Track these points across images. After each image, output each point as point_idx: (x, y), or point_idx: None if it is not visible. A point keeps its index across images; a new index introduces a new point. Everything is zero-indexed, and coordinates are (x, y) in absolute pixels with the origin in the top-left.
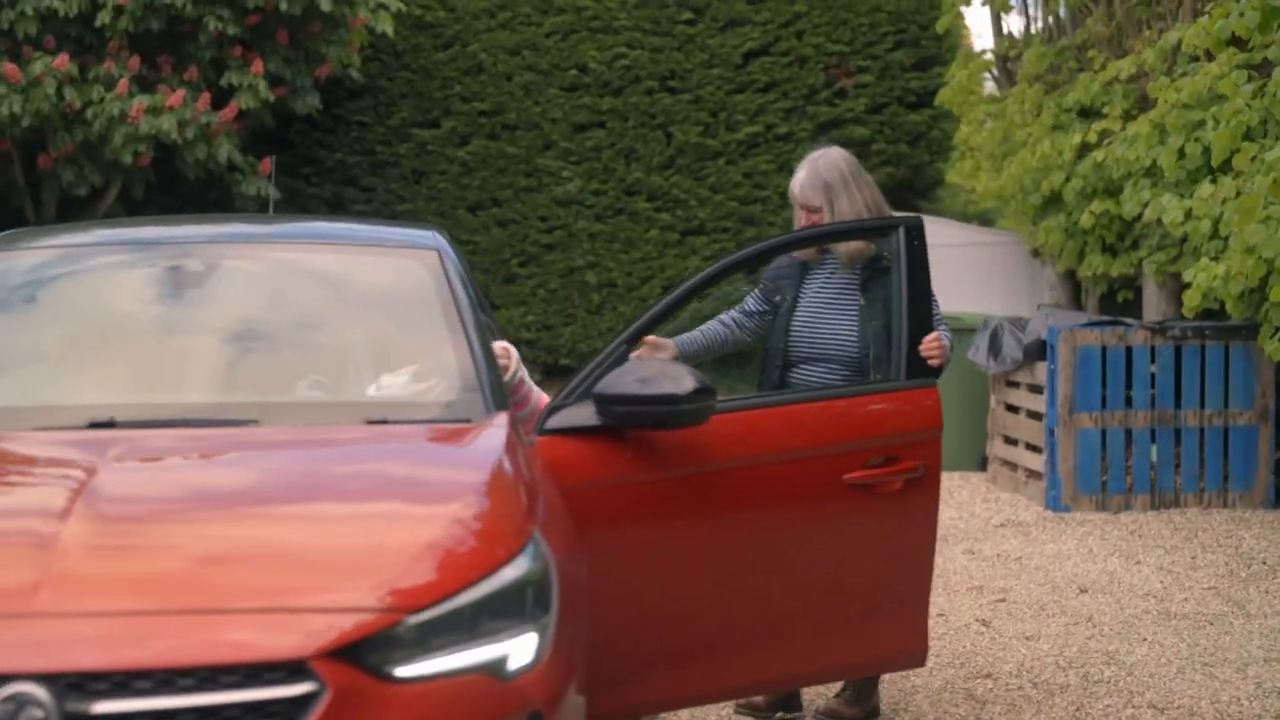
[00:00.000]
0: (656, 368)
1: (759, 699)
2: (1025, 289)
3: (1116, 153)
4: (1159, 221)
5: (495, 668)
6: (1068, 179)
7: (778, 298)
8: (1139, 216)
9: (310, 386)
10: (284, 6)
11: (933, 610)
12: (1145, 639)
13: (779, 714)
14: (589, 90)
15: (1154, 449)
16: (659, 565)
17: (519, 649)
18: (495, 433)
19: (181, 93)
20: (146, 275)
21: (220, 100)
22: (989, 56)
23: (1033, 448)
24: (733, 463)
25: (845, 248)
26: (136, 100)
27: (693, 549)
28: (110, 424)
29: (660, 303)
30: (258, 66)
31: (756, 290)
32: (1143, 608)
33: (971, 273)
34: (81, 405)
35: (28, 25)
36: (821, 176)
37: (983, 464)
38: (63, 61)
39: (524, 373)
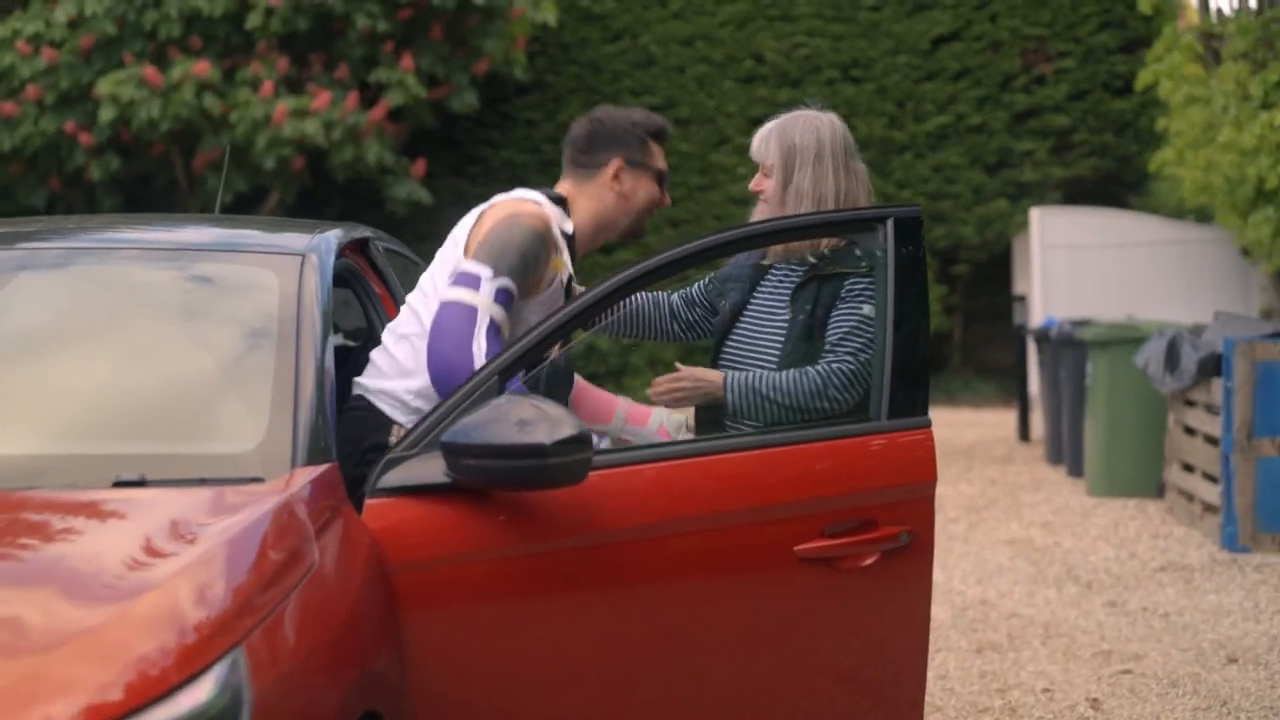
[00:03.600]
0: (533, 409)
1: None
2: (1236, 292)
3: None
4: None
5: None
6: (1275, 164)
7: (722, 301)
8: None
9: (60, 436)
10: (436, 0)
11: (1038, 684)
12: None
13: None
14: (766, 82)
15: None
16: (531, 673)
17: None
18: (267, 502)
19: (328, 94)
20: None
21: (373, 99)
22: (1192, 36)
23: (1210, 477)
24: (638, 531)
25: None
26: (280, 103)
27: (575, 651)
28: None
29: (557, 317)
30: (407, 62)
31: (704, 280)
32: None
33: (1175, 274)
34: None
35: (171, 28)
36: (790, 135)
37: (1162, 491)
38: (203, 68)
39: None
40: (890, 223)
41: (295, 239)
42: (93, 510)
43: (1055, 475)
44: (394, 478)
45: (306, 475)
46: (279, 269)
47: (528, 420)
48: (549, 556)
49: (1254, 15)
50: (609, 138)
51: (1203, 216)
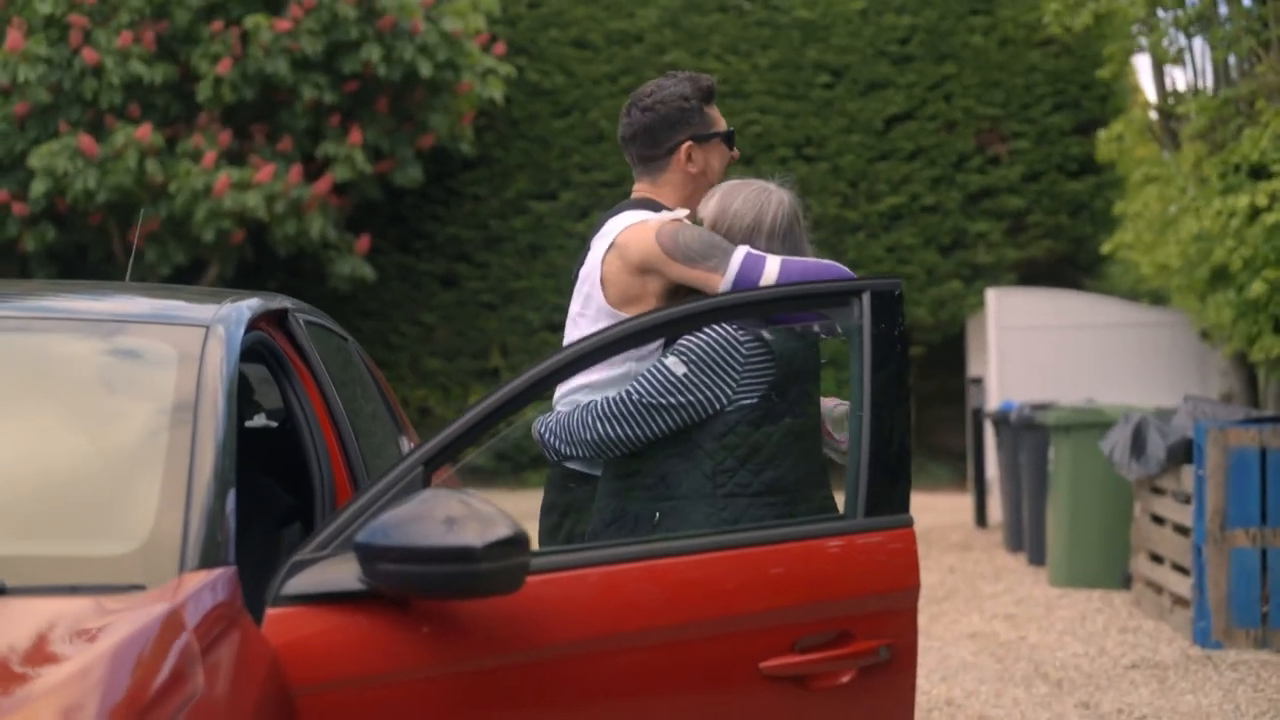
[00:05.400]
0: (461, 505)
1: None
2: (1195, 375)
3: None
4: None
5: None
6: (1236, 248)
7: None
8: None
9: None
10: (382, 72)
11: None
12: None
13: None
14: None
15: None
16: None
17: None
18: (147, 614)
19: (271, 167)
20: None
21: (318, 173)
22: (1152, 115)
23: (1180, 569)
24: (582, 646)
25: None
26: (222, 174)
27: None
28: None
29: (490, 400)
30: (355, 136)
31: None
32: None
33: (1133, 357)
34: None
35: (113, 95)
36: (730, 201)
37: (1127, 582)
38: (145, 132)
39: None
40: (866, 296)
41: (201, 309)
42: None
43: (1015, 564)
44: (300, 583)
45: (197, 581)
46: (179, 341)
47: (456, 518)
48: (480, 676)
49: (1212, 94)
50: (669, 122)
51: (1158, 299)
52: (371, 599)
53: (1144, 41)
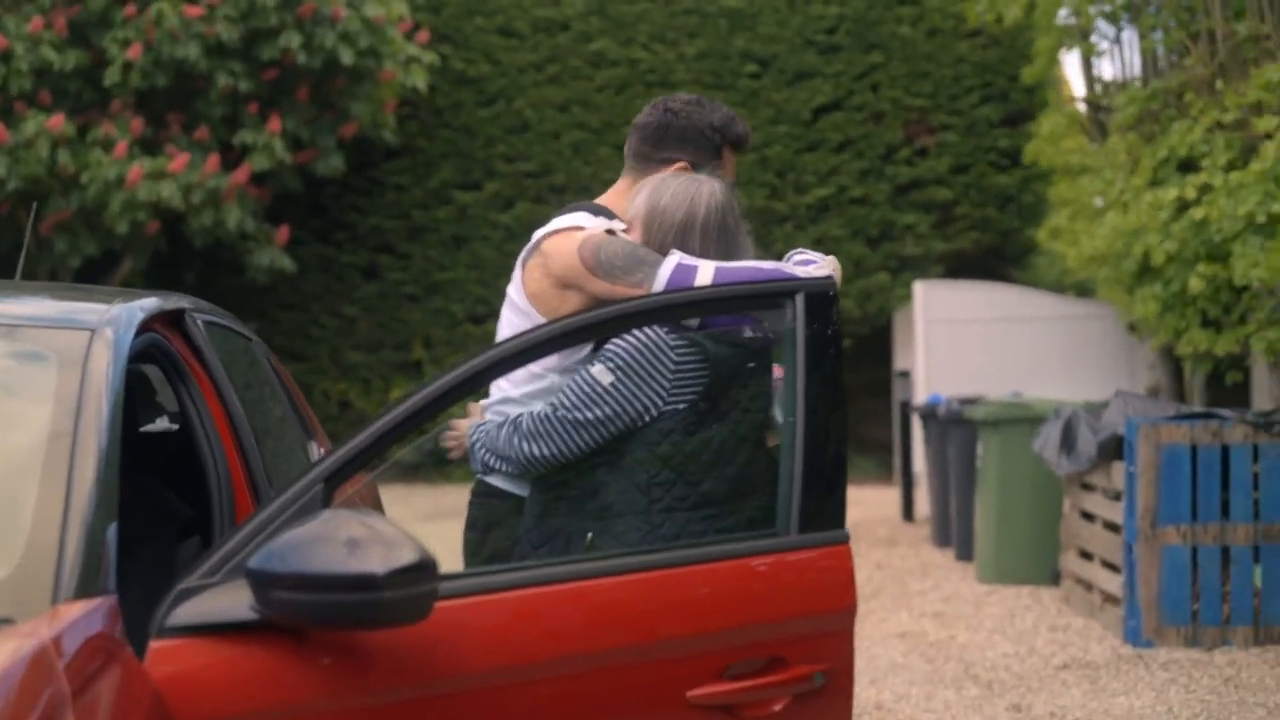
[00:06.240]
0: (364, 527)
1: None
2: (1122, 368)
3: (1225, 208)
4: (1269, 291)
5: None
6: (1163, 241)
7: None
8: (1246, 286)
9: None
10: (302, 60)
11: None
12: None
13: None
14: None
15: (1258, 571)
16: None
17: None
18: (15, 650)
19: (186, 156)
20: None
21: (236, 162)
22: (1080, 107)
23: (1110, 566)
24: (497, 675)
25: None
26: (135, 164)
27: None
28: None
29: (397, 411)
30: (274, 125)
31: None
32: None
33: (1060, 350)
34: None
35: (22, 82)
36: (659, 196)
37: (1056, 578)
38: (57, 121)
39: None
40: (800, 298)
41: (88, 311)
42: None
43: (943, 559)
44: (186, 613)
45: (72, 613)
46: (60, 347)
47: (358, 541)
48: (386, 710)
49: (1142, 86)
50: (679, 136)
51: (1084, 291)
52: (265, 629)
53: (1073, 31)
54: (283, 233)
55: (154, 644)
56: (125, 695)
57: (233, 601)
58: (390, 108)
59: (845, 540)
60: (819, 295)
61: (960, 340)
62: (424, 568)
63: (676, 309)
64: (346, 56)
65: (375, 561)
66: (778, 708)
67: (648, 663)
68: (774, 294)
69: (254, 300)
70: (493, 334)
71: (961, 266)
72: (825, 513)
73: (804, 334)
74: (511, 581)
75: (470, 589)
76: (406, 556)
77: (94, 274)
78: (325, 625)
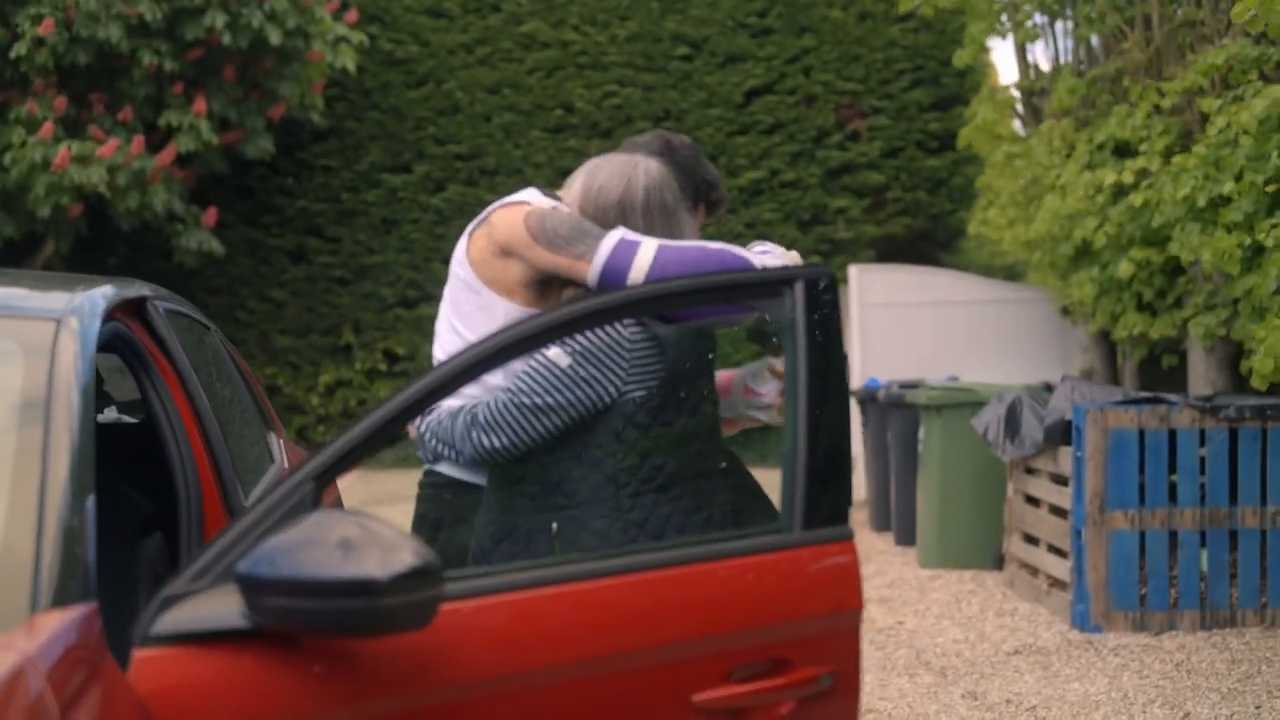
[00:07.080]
0: (358, 528)
1: None
2: (1056, 352)
3: (1163, 192)
4: (1206, 276)
5: None
6: (1100, 225)
7: None
8: (1183, 270)
9: None
10: (228, 39)
11: None
12: None
13: None
14: (576, 132)
15: (1204, 555)
16: None
17: None
18: None
19: (115, 142)
20: None
21: (161, 143)
22: (1014, 93)
23: (1056, 550)
24: (495, 683)
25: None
26: (62, 147)
27: None
28: None
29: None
30: (200, 105)
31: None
32: None
33: (994, 333)
34: None
35: None
36: (596, 178)
37: (999, 562)
38: None
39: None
40: (799, 286)
41: (51, 299)
42: None
43: (883, 544)
44: (172, 621)
45: (52, 624)
46: (26, 337)
47: (352, 543)
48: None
49: (1077, 72)
50: (655, 185)
51: (1012, 275)
52: (256, 637)
53: (1006, 20)
54: (210, 215)
55: (138, 653)
56: (111, 711)
57: (222, 608)
58: (318, 89)
59: (850, 536)
60: (820, 282)
61: (895, 324)
62: (428, 572)
63: (667, 299)
64: (274, 36)
65: (374, 564)
66: (785, 711)
67: (652, 667)
68: (772, 283)
69: (180, 284)
70: (424, 317)
71: (893, 250)
72: (830, 507)
73: (804, 324)
74: (508, 583)
75: (464, 592)
76: (407, 559)
77: (14, 258)
78: (321, 633)
